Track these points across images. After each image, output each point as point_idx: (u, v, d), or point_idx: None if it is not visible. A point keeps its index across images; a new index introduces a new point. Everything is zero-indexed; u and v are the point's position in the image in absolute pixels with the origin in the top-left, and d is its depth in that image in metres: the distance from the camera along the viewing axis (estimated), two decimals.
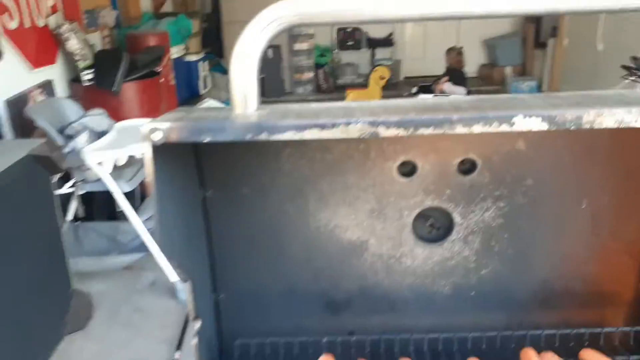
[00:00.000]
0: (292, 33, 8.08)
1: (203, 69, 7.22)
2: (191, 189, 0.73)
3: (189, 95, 6.82)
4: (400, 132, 0.50)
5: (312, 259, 0.78)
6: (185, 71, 6.79)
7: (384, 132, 0.50)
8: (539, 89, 7.91)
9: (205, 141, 0.52)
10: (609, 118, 0.48)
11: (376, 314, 0.82)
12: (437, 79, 5.78)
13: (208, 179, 0.74)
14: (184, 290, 0.63)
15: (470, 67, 8.76)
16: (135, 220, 3.05)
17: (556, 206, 0.73)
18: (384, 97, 6.48)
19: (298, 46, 8.26)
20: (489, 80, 8.53)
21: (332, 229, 0.76)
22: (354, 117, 0.51)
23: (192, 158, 0.71)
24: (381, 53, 8.68)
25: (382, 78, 6.64)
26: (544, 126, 0.48)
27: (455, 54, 6.21)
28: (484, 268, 0.77)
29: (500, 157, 0.70)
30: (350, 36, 8.70)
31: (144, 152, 0.52)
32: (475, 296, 0.79)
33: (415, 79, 8.49)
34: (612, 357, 0.65)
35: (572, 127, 0.48)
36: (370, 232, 0.76)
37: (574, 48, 7.03)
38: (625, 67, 4.88)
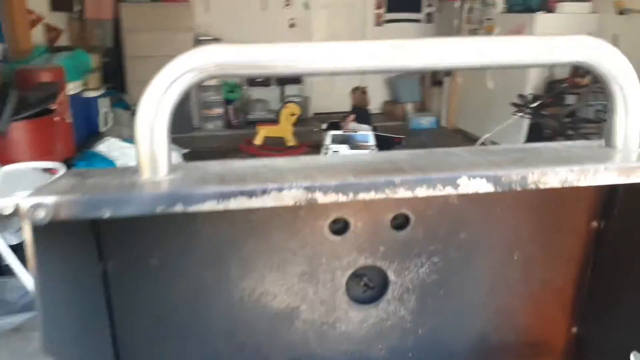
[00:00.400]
0: None
1: (103, 106, 6.82)
2: (87, 262, 0.62)
3: (88, 134, 6.38)
4: (340, 197, 0.44)
5: (236, 333, 0.69)
6: (84, 108, 6.35)
7: (322, 198, 0.44)
8: (437, 124, 8.44)
9: (105, 217, 0.42)
10: (553, 178, 0.46)
11: None
12: (345, 115, 5.93)
13: (108, 250, 0.63)
14: None
15: (375, 104, 9.16)
16: (24, 275, 2.70)
17: (489, 259, 0.71)
18: (295, 133, 6.52)
19: (206, 82, 8.11)
20: (392, 116, 8.94)
21: (257, 298, 0.68)
22: (286, 181, 0.44)
23: (87, 227, 0.60)
24: (290, 90, 8.79)
25: (292, 114, 6.69)
26: (489, 188, 0.45)
27: (359, 92, 6.43)
28: (421, 327, 0.73)
29: (434, 211, 0.67)
30: None
31: (24, 234, 0.41)
32: (413, 357, 0.74)
33: (324, 115, 8.67)
34: None
35: (518, 188, 0.45)
36: (301, 298, 0.69)
37: (467, 86, 7.61)
38: (514, 104, 5.34)
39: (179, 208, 0.42)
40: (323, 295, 0.69)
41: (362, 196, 0.44)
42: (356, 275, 0.70)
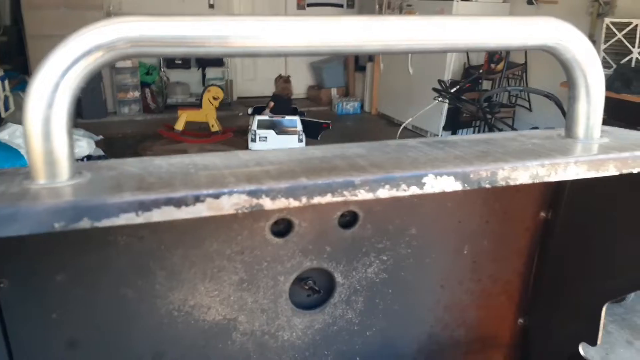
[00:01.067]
0: None
1: (3, 89, 6.16)
2: None
3: None
4: (292, 202, 0.37)
5: (165, 352, 0.60)
6: None
7: (269, 204, 0.36)
8: (361, 108, 8.54)
9: None
10: (524, 173, 0.41)
11: None
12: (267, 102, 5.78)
13: (0, 267, 0.51)
14: None
15: (300, 89, 9.09)
16: None
17: (439, 254, 0.67)
18: (219, 117, 6.29)
19: (120, 63, 7.60)
20: (317, 101, 8.93)
21: (189, 311, 0.59)
22: (225, 184, 0.36)
23: None
24: (212, 73, 8.47)
25: (215, 98, 6.43)
26: (457, 186, 0.40)
27: (282, 81, 6.27)
28: (369, 329, 0.68)
29: (383, 207, 0.62)
30: None
31: None
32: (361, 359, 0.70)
33: (248, 99, 8.45)
34: None
35: (487, 185, 0.41)
36: (240, 308, 0.61)
37: (389, 71, 7.74)
38: (435, 90, 5.50)
39: (85, 224, 0.33)
40: (264, 304, 0.62)
41: (318, 200, 0.37)
42: (300, 279, 0.63)
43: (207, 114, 6.25)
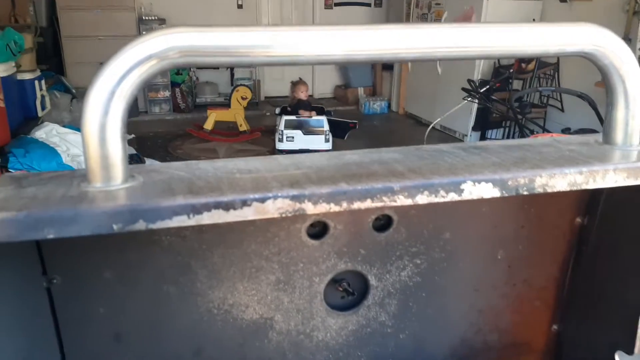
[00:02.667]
0: None
1: (40, 89, 6.37)
2: (28, 277, 0.53)
3: (24, 118, 5.95)
4: (332, 207, 0.38)
5: (204, 349, 0.62)
6: (18, 91, 5.91)
7: (311, 209, 0.38)
8: (388, 107, 8.49)
9: (48, 237, 0.35)
10: (562, 181, 0.42)
11: None
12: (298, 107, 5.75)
13: (53, 263, 0.54)
14: None
15: (326, 89, 9.11)
16: None
17: (473, 259, 0.67)
18: (247, 117, 6.36)
19: None
20: (344, 101, 8.93)
21: (228, 309, 0.61)
22: (269, 189, 0.38)
23: (29, 242, 0.51)
24: (240, 73, 8.57)
25: (243, 98, 6.51)
26: (495, 193, 0.41)
27: (300, 85, 6.19)
28: (402, 332, 0.69)
29: (418, 211, 0.63)
30: None
31: None
32: None
33: (276, 99, 8.52)
34: None
35: (525, 192, 0.41)
36: (276, 307, 0.63)
37: (417, 71, 7.68)
38: (464, 90, 5.44)
39: (140, 226, 0.35)
40: (299, 304, 0.63)
41: (357, 205, 0.38)
42: (335, 281, 0.64)
43: (236, 114, 6.33)
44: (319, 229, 0.61)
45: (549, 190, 0.41)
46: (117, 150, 0.40)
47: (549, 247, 0.69)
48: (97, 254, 0.55)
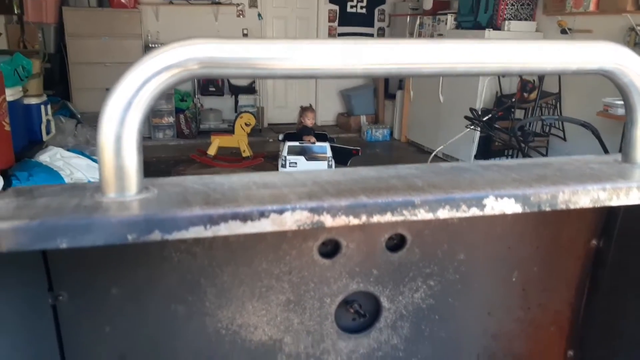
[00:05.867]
0: None
1: (45, 113, 6.43)
2: (33, 294, 0.52)
3: (29, 142, 5.99)
4: (352, 220, 0.37)
5: None
6: (24, 115, 5.97)
7: (330, 221, 0.37)
8: (390, 135, 8.55)
9: (61, 247, 0.34)
10: (585, 197, 0.41)
11: None
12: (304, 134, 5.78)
13: (59, 280, 0.53)
14: None
15: (329, 116, 9.18)
16: None
17: (488, 281, 0.66)
18: (250, 143, 6.39)
19: None
20: (346, 128, 9.00)
21: (236, 330, 0.60)
22: (287, 201, 0.37)
23: (35, 255, 0.50)
24: (244, 100, 8.66)
25: (247, 124, 6.56)
26: (517, 208, 0.40)
27: (308, 111, 6.26)
28: (414, 356, 0.67)
29: (432, 230, 0.61)
30: (211, 82, 8.57)
31: None
32: None
33: (279, 125, 8.58)
34: None
35: (547, 208, 0.40)
36: (286, 329, 0.61)
37: (419, 99, 7.76)
38: (467, 118, 5.47)
39: (155, 236, 0.34)
40: (309, 325, 0.62)
41: (377, 219, 0.37)
42: (346, 302, 0.63)
43: (239, 140, 6.37)
44: (330, 248, 0.60)
45: (572, 206, 0.41)
46: (132, 160, 0.40)
47: (565, 269, 0.68)
48: (105, 270, 0.54)
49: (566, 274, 0.68)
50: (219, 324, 0.59)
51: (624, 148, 0.50)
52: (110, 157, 0.39)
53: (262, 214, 0.36)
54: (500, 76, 5.71)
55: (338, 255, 0.60)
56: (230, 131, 6.78)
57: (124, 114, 0.39)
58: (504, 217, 0.62)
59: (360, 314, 0.64)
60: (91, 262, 0.53)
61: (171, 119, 8.07)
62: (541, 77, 5.29)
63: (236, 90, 8.73)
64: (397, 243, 0.61)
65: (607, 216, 0.65)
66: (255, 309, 0.59)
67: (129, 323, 0.56)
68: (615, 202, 0.41)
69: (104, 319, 0.55)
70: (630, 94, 0.47)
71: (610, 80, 0.47)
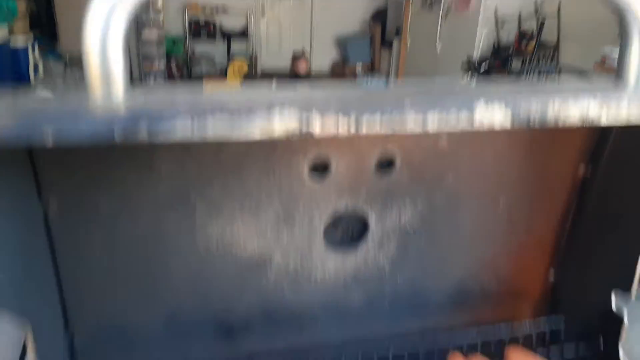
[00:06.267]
0: (140, 20, 7.43)
1: (33, 56, 6.26)
2: (24, 202, 0.52)
3: (17, 87, 5.87)
4: (341, 123, 0.37)
5: (201, 283, 0.62)
6: (10, 58, 5.82)
7: (319, 130, 0.37)
8: (385, 85, 8.44)
9: (48, 143, 0.33)
10: (575, 109, 0.41)
11: (282, 335, 0.69)
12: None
13: (49, 188, 0.53)
14: (20, 341, 0.43)
15: (324, 65, 9.02)
16: None
17: (474, 205, 0.67)
18: None
19: (146, 35, 7.62)
20: (340, 77, 8.87)
21: (226, 244, 0.61)
22: (275, 105, 0.37)
23: (23, 160, 0.50)
24: (237, 46, 8.46)
25: (239, 71, 6.46)
26: (507, 116, 0.40)
27: (301, 59, 6.12)
28: (400, 275, 0.69)
29: (422, 152, 0.62)
30: (203, 27, 8.34)
31: None
32: (391, 305, 0.71)
33: (272, 74, 8.45)
34: (532, 349, 0.62)
35: (537, 118, 0.41)
36: (275, 244, 0.63)
37: (416, 47, 7.61)
38: (463, 68, 5.40)
39: (142, 134, 0.34)
40: (299, 242, 0.63)
41: (367, 126, 0.37)
42: (334, 221, 0.64)
43: (232, 85, 6.27)
44: (320, 167, 0.60)
45: (561, 122, 0.41)
46: (119, 60, 0.39)
47: (551, 195, 0.69)
48: (93, 178, 0.54)
49: (553, 199, 0.69)
50: (209, 238, 0.60)
51: (618, 72, 0.49)
52: (96, 56, 0.39)
53: (251, 111, 0.36)
54: (498, 26, 5.60)
55: (327, 176, 0.60)
56: (222, 76, 6.68)
57: (109, 11, 0.38)
58: (492, 140, 0.63)
59: (347, 233, 0.65)
60: (79, 169, 0.53)
61: (162, 64, 7.91)
62: (540, 28, 5.19)
63: (228, 36, 8.51)
64: (386, 164, 0.62)
65: (597, 142, 0.65)
66: (245, 224, 0.60)
67: (117, 236, 0.57)
68: (604, 119, 0.41)
69: (94, 227, 0.56)
70: (626, 15, 0.46)
71: (604, 3, 0.46)
